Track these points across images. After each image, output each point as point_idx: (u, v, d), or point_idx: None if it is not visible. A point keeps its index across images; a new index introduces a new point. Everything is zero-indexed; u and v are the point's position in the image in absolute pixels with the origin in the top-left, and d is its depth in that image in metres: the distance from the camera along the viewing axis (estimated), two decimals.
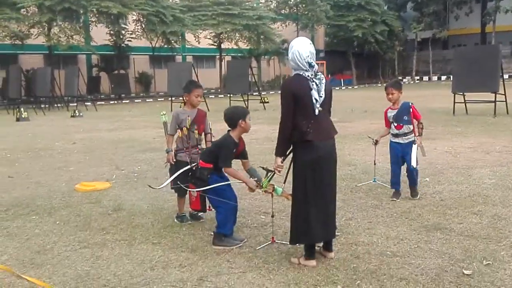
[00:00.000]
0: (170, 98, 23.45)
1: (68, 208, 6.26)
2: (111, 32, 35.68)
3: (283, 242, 4.66)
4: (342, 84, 47.68)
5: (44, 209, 6.21)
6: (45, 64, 34.08)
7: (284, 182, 4.64)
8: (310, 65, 4.02)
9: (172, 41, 36.32)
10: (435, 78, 50.90)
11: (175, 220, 5.51)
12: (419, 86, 40.23)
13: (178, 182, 5.03)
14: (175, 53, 41.07)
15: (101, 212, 6.03)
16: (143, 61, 41.72)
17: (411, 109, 6.04)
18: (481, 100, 15.68)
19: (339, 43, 50.84)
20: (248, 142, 5.14)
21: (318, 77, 4.03)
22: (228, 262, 4.30)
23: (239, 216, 5.11)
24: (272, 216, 4.82)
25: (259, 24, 38.76)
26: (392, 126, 6.21)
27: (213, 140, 5.44)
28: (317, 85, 4.00)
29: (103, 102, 31.68)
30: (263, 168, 4.63)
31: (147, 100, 34.20)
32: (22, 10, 29.55)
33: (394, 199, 6.10)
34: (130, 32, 36.34)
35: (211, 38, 40.53)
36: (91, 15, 33.99)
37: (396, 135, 6.18)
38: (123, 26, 36.45)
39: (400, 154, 6.14)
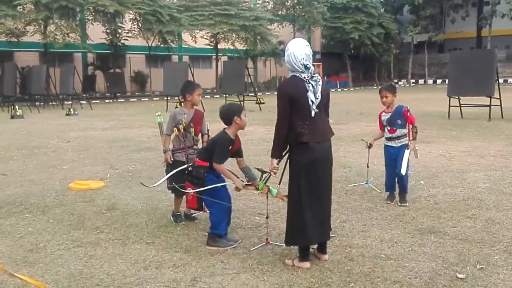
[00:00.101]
0: (165, 98, 23.43)
1: (61, 206, 6.24)
2: (108, 30, 35.60)
3: (278, 243, 4.66)
4: (338, 86, 47.75)
5: (38, 207, 6.19)
6: (40, 61, 33.94)
7: (279, 183, 4.64)
8: (306, 67, 4.02)
9: (169, 41, 36.26)
10: (430, 81, 51.11)
11: (170, 218, 5.50)
12: (415, 89, 40.38)
13: (173, 183, 5.03)
14: (171, 53, 40.98)
15: (95, 211, 6.01)
16: (139, 60, 41.64)
17: (404, 113, 6.03)
18: (476, 104, 15.74)
19: (336, 45, 50.97)
20: (243, 143, 5.13)
21: (314, 78, 4.04)
22: (222, 263, 4.29)
23: (233, 217, 5.10)
24: (267, 217, 4.82)
25: (256, 24, 38.72)
26: (386, 129, 6.20)
27: None
28: (313, 86, 4.01)
29: (98, 101, 31.58)
30: (258, 169, 4.62)
31: (143, 99, 34.14)
32: (18, 7, 29.40)
33: (389, 202, 6.11)
34: (126, 31, 36.27)
35: (208, 38, 40.51)
36: (88, 13, 33.89)
37: (389, 139, 6.17)
38: (120, 24, 36.38)
39: (393, 157, 6.13)
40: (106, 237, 5.03)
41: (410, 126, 6.10)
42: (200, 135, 5.52)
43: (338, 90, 44.20)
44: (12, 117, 19.45)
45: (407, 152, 5.97)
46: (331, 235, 4.48)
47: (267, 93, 35.85)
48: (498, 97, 15.17)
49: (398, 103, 6.18)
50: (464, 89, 15.65)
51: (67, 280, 3.99)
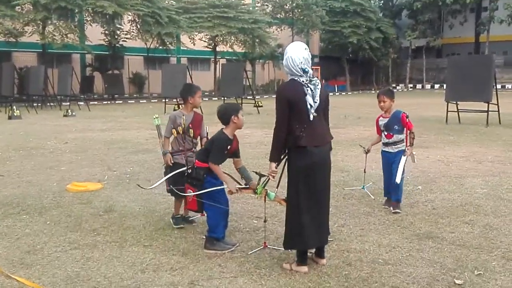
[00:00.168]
0: (163, 100, 23.41)
1: (59, 208, 6.22)
2: (106, 32, 35.55)
3: (275, 247, 4.65)
4: (336, 90, 47.80)
5: (35, 209, 6.17)
6: (38, 62, 33.88)
7: (277, 187, 4.63)
8: (304, 71, 4.02)
9: (167, 43, 36.22)
10: (428, 86, 51.22)
11: (170, 220, 5.48)
12: (413, 94, 40.46)
13: (171, 186, 5.02)
14: (170, 55, 40.99)
15: (92, 213, 5.99)
16: (137, 62, 41.58)
17: (402, 119, 5.99)
18: (474, 109, 15.77)
19: (334, 49, 50.99)
20: (241, 146, 5.12)
21: (313, 82, 4.04)
22: (220, 267, 4.28)
23: (231, 220, 5.09)
24: (265, 221, 4.81)
25: (254, 27, 38.75)
26: (383, 134, 6.18)
27: None
28: (312, 90, 4.01)
29: (96, 102, 31.57)
30: (256, 173, 4.62)
31: (141, 101, 34.09)
32: (17, 7, 29.37)
33: (387, 206, 6.10)
34: (125, 33, 36.22)
35: (206, 40, 40.51)
36: (86, 14, 33.85)
37: (386, 144, 6.14)
38: (118, 26, 36.33)
39: (390, 162, 6.09)
40: (103, 240, 5.02)
41: (408, 132, 6.06)
42: (199, 138, 5.51)
43: (336, 94, 44.27)
44: (10, 117, 19.40)
45: (403, 159, 5.90)
46: (329, 239, 4.48)
47: (265, 96, 35.89)
48: (496, 103, 15.20)
49: (396, 108, 6.17)
50: (462, 94, 15.68)
51: (64, 282, 3.98)
